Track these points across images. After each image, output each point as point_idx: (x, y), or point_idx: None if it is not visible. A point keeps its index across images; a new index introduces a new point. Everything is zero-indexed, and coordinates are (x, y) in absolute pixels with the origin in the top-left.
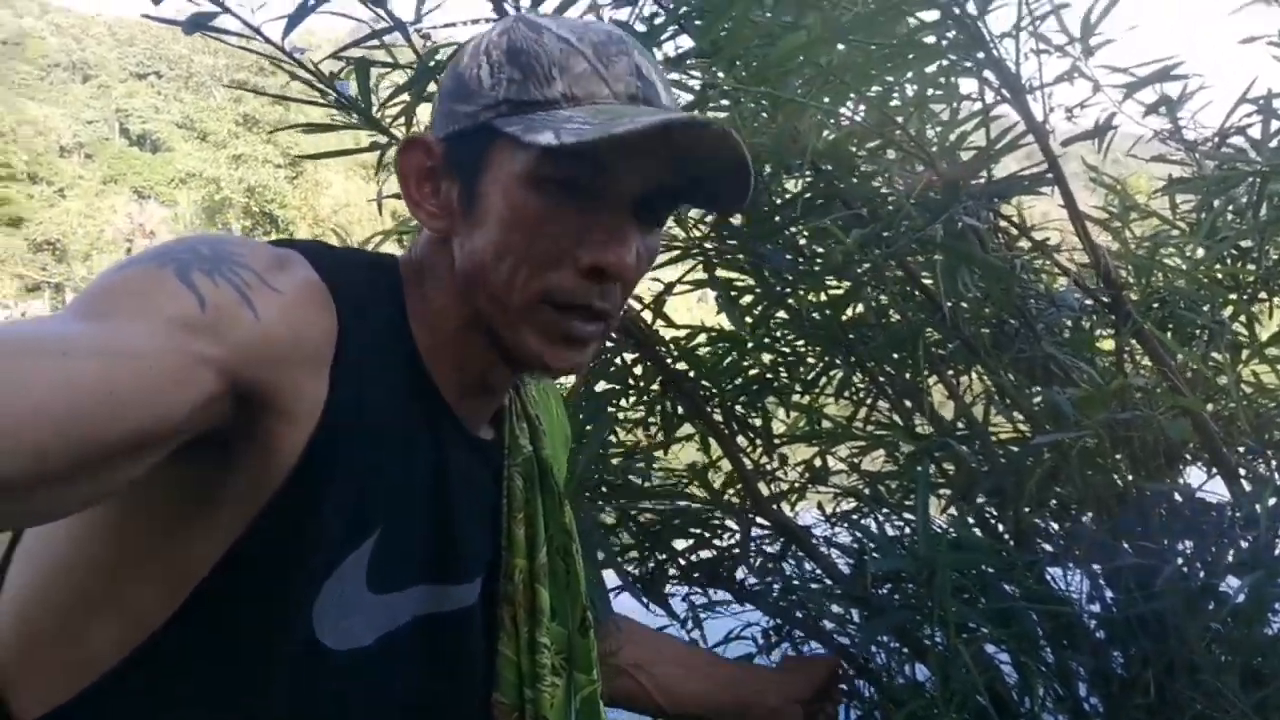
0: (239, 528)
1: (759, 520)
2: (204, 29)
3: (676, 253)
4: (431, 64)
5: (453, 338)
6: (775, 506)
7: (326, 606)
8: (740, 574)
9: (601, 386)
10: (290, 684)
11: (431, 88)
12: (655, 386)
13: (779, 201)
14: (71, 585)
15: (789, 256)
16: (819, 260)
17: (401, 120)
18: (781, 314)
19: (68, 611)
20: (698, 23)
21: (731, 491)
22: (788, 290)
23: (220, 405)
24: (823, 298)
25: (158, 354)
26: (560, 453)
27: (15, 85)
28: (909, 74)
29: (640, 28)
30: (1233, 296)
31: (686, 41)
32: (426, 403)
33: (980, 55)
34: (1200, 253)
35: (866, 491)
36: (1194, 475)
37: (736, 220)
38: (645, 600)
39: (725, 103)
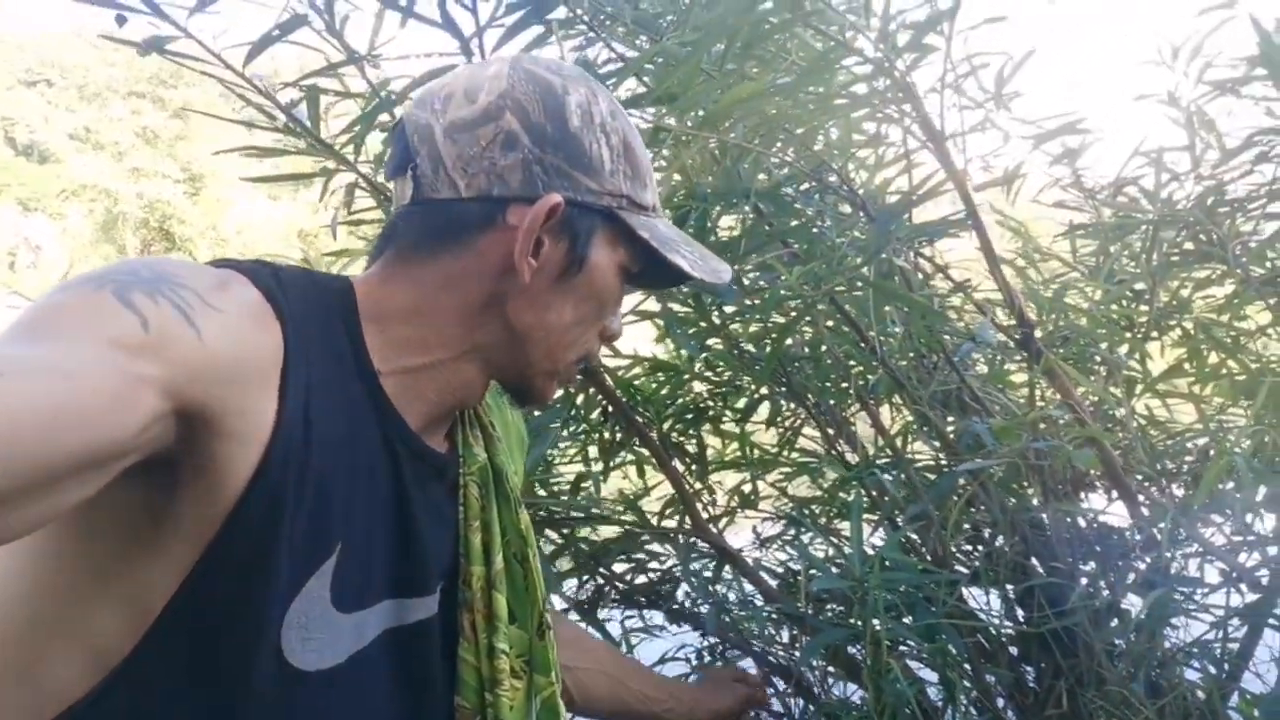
0: (196, 551)
1: (696, 542)
2: (161, 51)
3: None
4: (384, 94)
5: (444, 362)
6: (713, 529)
7: (294, 627)
8: (679, 595)
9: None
10: (266, 709)
11: (383, 117)
12: (595, 414)
13: (723, 239)
14: (27, 615)
15: (734, 288)
16: (760, 294)
17: (350, 148)
18: (717, 344)
19: (26, 642)
20: (649, 66)
21: (668, 514)
22: (725, 322)
23: (165, 426)
24: (755, 330)
25: (99, 375)
26: (516, 455)
27: None
28: (836, 120)
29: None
30: (1128, 335)
31: (635, 83)
32: (380, 417)
33: (908, 107)
34: (1099, 294)
35: (794, 514)
36: (1097, 501)
37: None
38: (584, 624)
39: (673, 144)
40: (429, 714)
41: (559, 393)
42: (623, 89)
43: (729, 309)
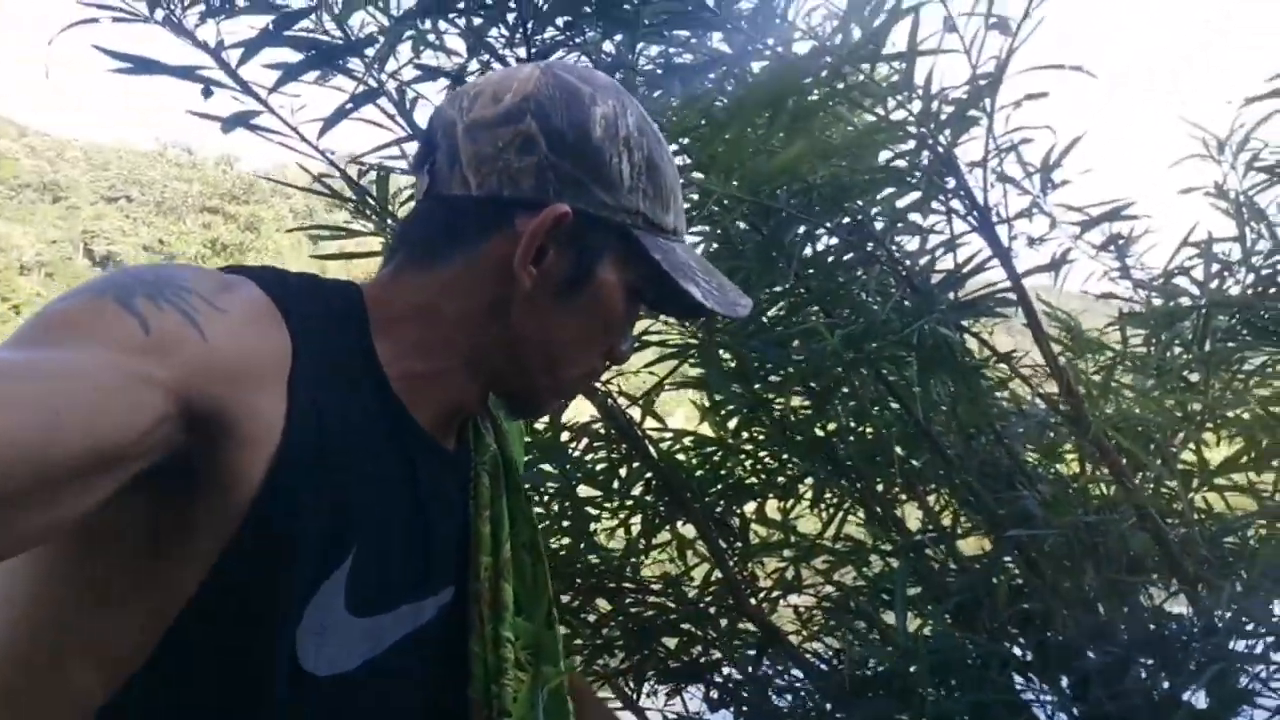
0: (211, 558)
1: (739, 623)
2: (244, 125)
3: (668, 351)
4: None
5: (447, 368)
6: (756, 606)
7: (309, 632)
8: (722, 673)
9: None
10: (279, 714)
11: None
12: (638, 489)
13: (764, 303)
14: (41, 629)
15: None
16: (802, 362)
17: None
18: (762, 421)
19: (41, 655)
20: (691, 136)
21: (709, 594)
22: (770, 396)
23: (171, 429)
24: (798, 403)
25: (101, 379)
26: (518, 448)
27: None
28: (882, 197)
29: None
30: (1183, 423)
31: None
32: (394, 420)
33: (950, 181)
34: (1150, 383)
35: (839, 597)
36: (1155, 590)
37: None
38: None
39: (716, 209)
40: (446, 714)
41: (556, 408)
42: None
43: (772, 379)
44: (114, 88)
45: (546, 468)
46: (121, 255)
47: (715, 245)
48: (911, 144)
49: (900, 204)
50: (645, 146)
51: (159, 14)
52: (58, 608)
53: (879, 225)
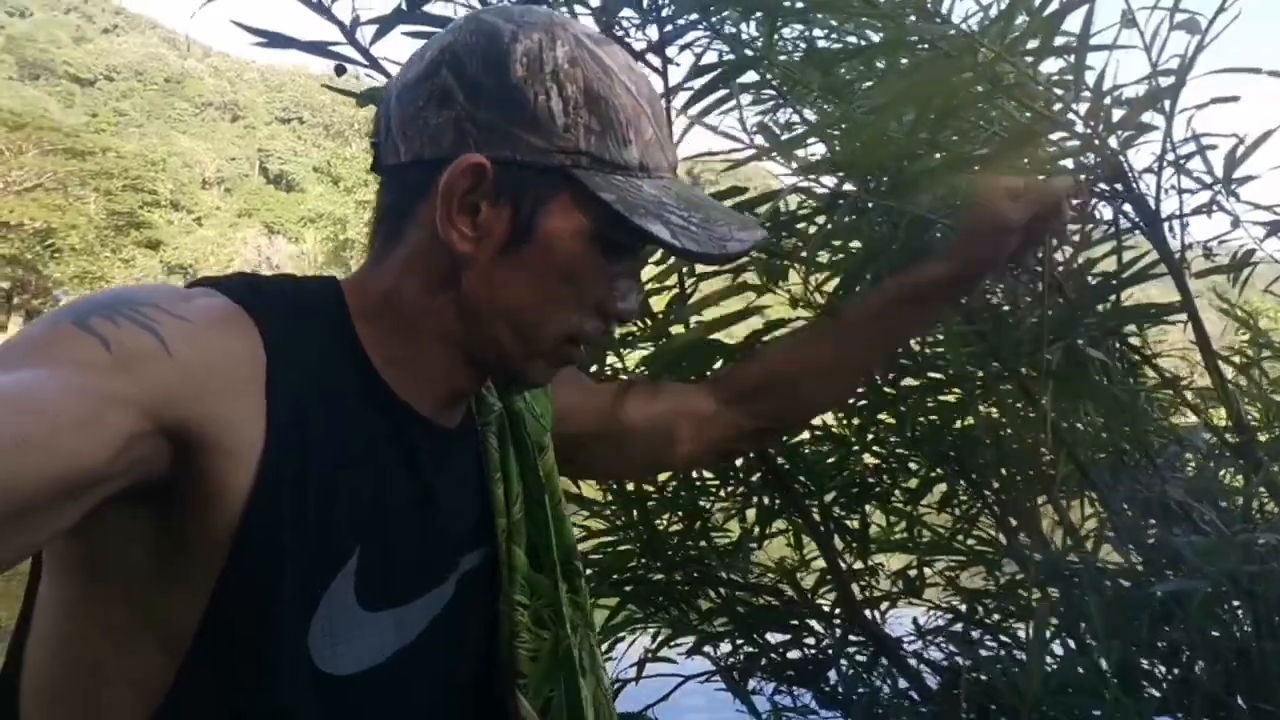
0: (212, 576)
1: (850, 626)
2: (376, 103)
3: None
4: None
5: (425, 349)
6: (868, 613)
7: (321, 634)
8: (831, 677)
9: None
10: (307, 717)
11: None
12: (755, 477)
13: None
14: (71, 665)
15: (904, 362)
16: (937, 366)
17: None
18: (888, 419)
19: (77, 690)
20: (835, 134)
21: (822, 592)
22: (901, 394)
23: (147, 446)
24: (930, 404)
25: (63, 402)
26: (540, 400)
27: (171, 120)
28: None
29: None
30: None
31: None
32: (387, 411)
33: (1119, 186)
34: None
35: (963, 609)
36: None
37: None
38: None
39: (853, 216)
40: (475, 675)
41: (543, 375)
42: (805, 154)
43: (908, 382)
44: (296, 15)
45: None
46: (294, 174)
47: (855, 246)
48: (1076, 144)
49: None
50: (581, 78)
51: None
52: (82, 644)
53: None
